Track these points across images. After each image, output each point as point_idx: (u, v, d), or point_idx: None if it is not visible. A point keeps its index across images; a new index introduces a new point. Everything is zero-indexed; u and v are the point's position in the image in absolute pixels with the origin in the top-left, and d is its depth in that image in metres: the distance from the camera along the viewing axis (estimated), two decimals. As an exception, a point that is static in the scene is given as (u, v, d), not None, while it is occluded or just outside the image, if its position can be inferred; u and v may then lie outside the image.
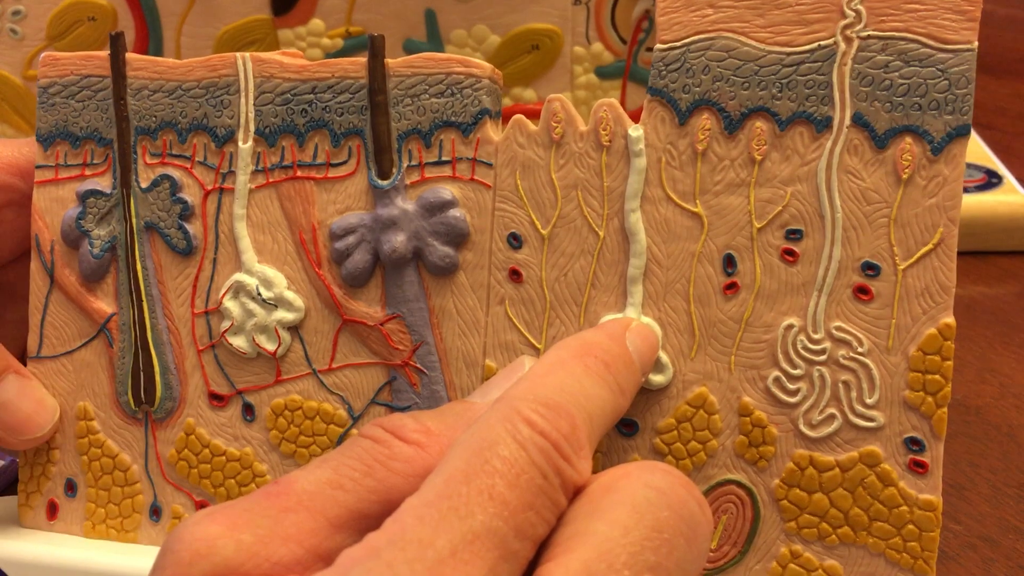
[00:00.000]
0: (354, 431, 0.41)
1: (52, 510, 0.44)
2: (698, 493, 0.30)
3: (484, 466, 0.28)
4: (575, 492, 0.30)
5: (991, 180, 0.77)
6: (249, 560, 0.28)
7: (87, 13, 0.66)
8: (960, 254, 0.36)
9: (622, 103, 0.66)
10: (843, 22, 0.36)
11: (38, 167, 0.43)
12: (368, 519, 0.29)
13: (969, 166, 0.79)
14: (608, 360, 0.34)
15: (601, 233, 0.38)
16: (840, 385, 0.37)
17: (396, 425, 0.31)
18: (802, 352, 0.37)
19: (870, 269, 0.37)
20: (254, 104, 0.41)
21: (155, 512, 0.43)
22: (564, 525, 0.29)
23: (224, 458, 0.42)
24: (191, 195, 0.42)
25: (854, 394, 0.37)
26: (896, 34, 0.36)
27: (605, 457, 0.39)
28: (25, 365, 0.45)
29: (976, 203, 0.74)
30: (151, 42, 0.65)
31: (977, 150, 0.82)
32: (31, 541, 0.43)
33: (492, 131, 0.39)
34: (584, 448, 0.30)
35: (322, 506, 0.29)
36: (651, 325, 0.38)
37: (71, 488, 0.43)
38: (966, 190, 0.75)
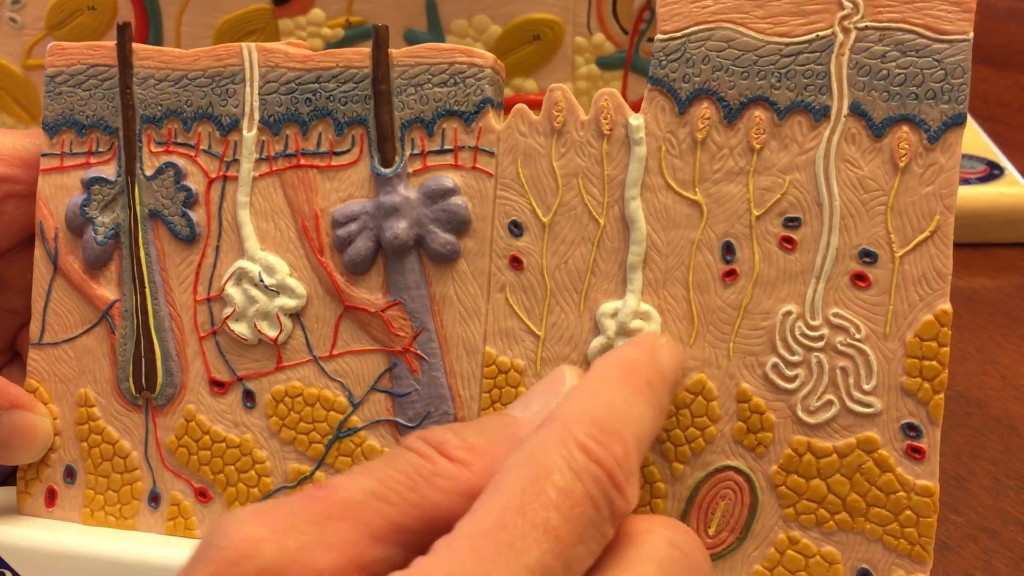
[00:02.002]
0: (355, 418, 0.41)
1: (51, 497, 0.44)
2: (708, 556, 0.31)
3: (539, 496, 0.28)
4: (622, 520, 0.30)
5: (992, 172, 0.77)
6: (292, 566, 0.28)
7: (87, 2, 0.66)
8: (962, 246, 0.37)
9: (623, 94, 0.66)
10: (841, 13, 0.37)
11: (44, 155, 0.44)
12: (409, 533, 0.29)
13: (971, 158, 0.79)
14: (651, 379, 0.34)
15: (601, 221, 0.39)
16: (838, 371, 0.37)
17: (440, 440, 0.31)
18: (800, 339, 0.37)
19: (867, 256, 0.37)
20: (259, 93, 0.41)
21: (154, 499, 0.43)
22: (592, 572, 0.29)
23: (224, 445, 0.42)
24: (195, 183, 0.42)
25: (852, 380, 0.37)
26: (893, 25, 0.36)
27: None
28: (25, 352, 0.45)
29: (978, 195, 0.74)
30: (151, 31, 0.66)
31: (979, 142, 0.82)
32: (30, 528, 0.43)
33: (494, 120, 0.40)
34: (634, 475, 0.30)
35: (365, 517, 0.29)
36: (673, 344, 0.38)
37: (70, 475, 0.44)
38: (968, 182, 0.75)
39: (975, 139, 0.82)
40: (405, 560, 0.28)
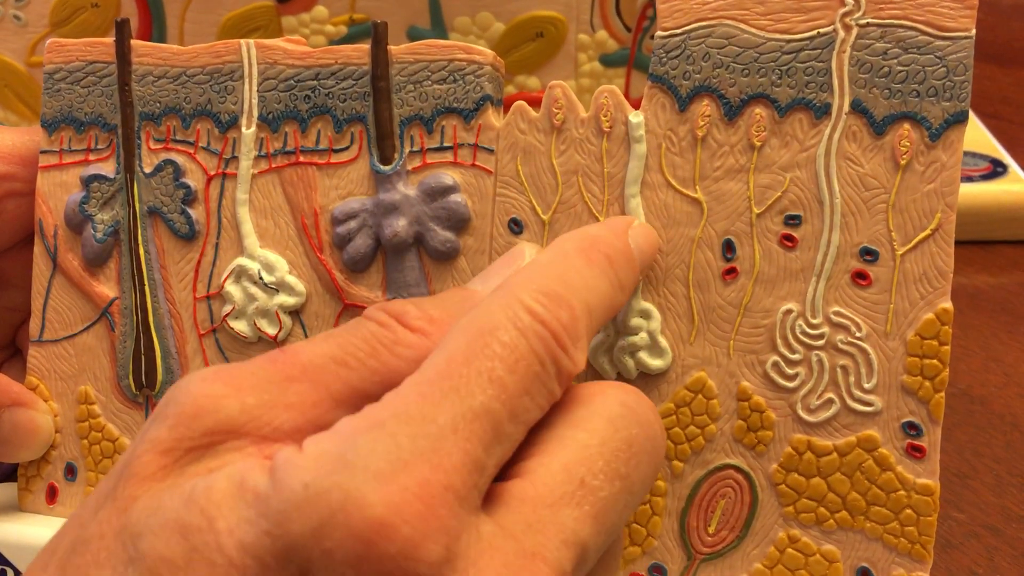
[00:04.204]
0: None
1: (52, 494, 0.44)
2: (659, 417, 0.32)
3: (484, 349, 0.29)
4: (568, 382, 0.30)
5: (996, 169, 0.77)
6: (251, 422, 0.28)
7: (90, 0, 0.66)
8: (965, 243, 0.37)
9: (626, 91, 0.66)
10: (842, 10, 0.37)
11: (42, 152, 0.44)
12: (369, 398, 0.29)
13: (974, 155, 0.79)
14: (611, 254, 0.34)
15: (601, 218, 0.39)
16: (838, 370, 0.37)
17: (400, 311, 0.31)
18: (800, 337, 0.37)
19: (868, 254, 0.37)
20: (258, 90, 0.41)
21: (157, 495, 0.43)
22: (543, 429, 0.30)
23: (226, 442, 0.42)
24: (194, 180, 0.42)
25: (852, 379, 0.37)
26: (894, 22, 0.36)
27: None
28: (25, 349, 0.45)
29: (981, 192, 0.74)
30: (154, 29, 0.66)
31: (982, 139, 0.82)
32: (31, 525, 0.43)
33: (494, 117, 0.39)
34: (581, 340, 0.31)
35: (325, 380, 0.30)
36: (649, 229, 0.38)
37: (71, 472, 0.44)
38: (971, 179, 0.75)
39: (978, 136, 0.82)
40: None
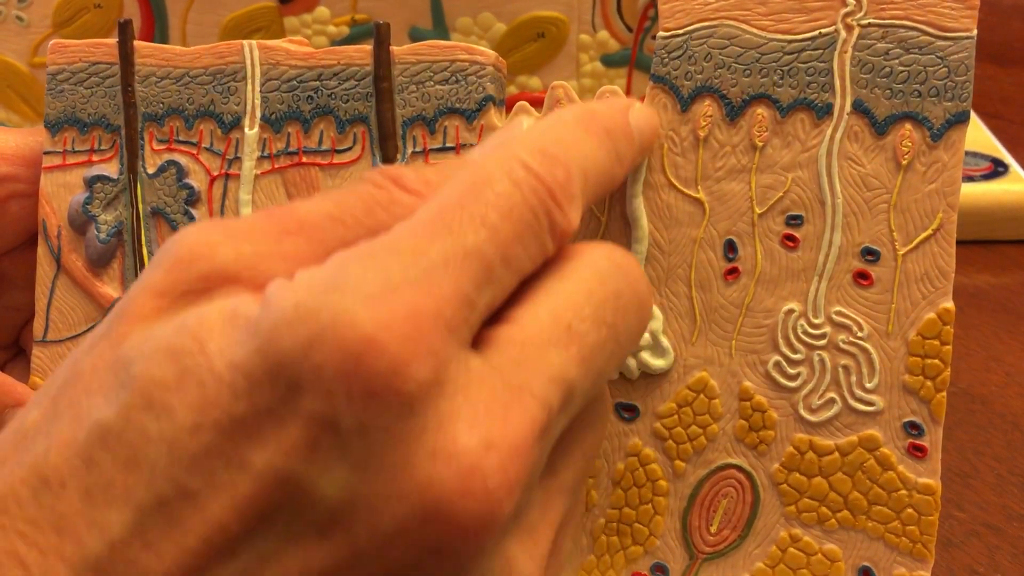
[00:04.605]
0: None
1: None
2: (645, 276, 0.32)
3: (479, 197, 0.29)
4: (562, 240, 0.30)
5: (997, 169, 0.77)
6: (246, 270, 0.28)
7: (93, 0, 0.66)
8: (966, 243, 0.37)
9: (628, 91, 0.66)
10: (844, 10, 0.37)
11: (46, 153, 0.44)
12: None
13: (975, 155, 0.79)
14: (610, 127, 0.34)
15: (603, 219, 0.39)
16: (840, 369, 0.37)
17: (397, 174, 0.31)
18: (802, 337, 0.37)
19: (870, 254, 0.37)
20: (260, 91, 0.41)
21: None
22: (532, 281, 0.30)
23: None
24: (197, 181, 0.42)
25: (854, 378, 0.37)
26: (896, 22, 0.36)
27: (606, 442, 0.39)
28: (29, 349, 0.45)
29: (982, 192, 0.74)
30: (156, 29, 0.66)
31: (983, 139, 0.82)
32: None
33: (496, 118, 0.40)
34: (576, 199, 0.31)
35: (321, 236, 0.29)
36: (651, 111, 0.38)
37: (78, 471, 0.44)
38: (972, 179, 0.75)
39: (980, 136, 0.82)
40: None
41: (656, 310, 0.38)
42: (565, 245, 0.31)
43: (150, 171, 0.43)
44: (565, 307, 0.29)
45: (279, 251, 0.29)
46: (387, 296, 0.26)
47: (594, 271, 0.31)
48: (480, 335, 0.29)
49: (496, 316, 0.29)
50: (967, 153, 0.77)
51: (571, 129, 0.33)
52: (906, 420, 0.37)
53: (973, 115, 0.84)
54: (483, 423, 0.27)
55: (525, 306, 0.29)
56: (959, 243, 0.37)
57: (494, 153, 0.30)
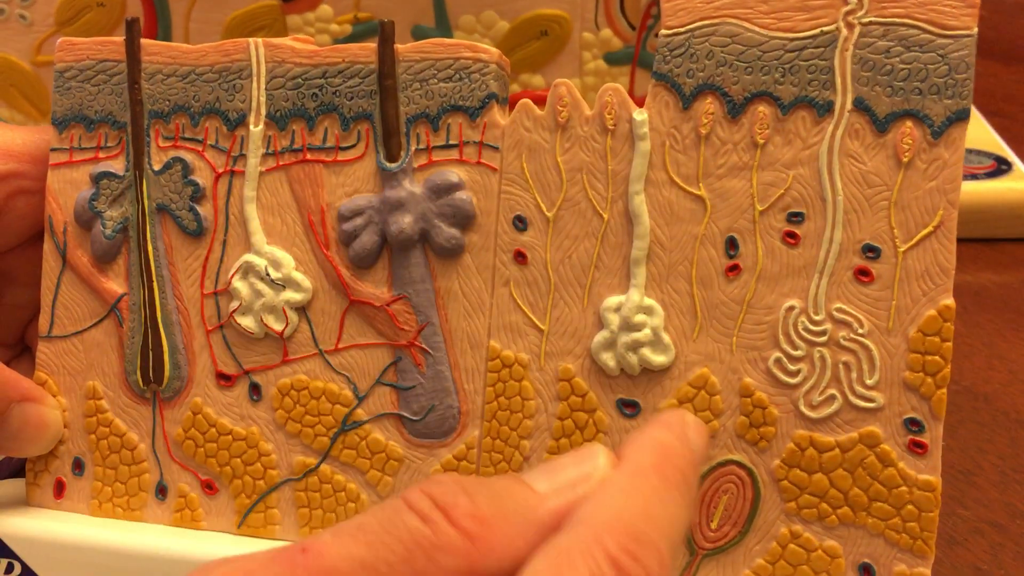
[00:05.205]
0: (360, 411, 0.41)
1: (59, 488, 0.44)
2: None
3: None
4: None
5: (1000, 167, 0.77)
6: None
7: (96, -1, 0.66)
8: (969, 241, 0.37)
9: (631, 89, 0.66)
10: (845, 8, 0.37)
11: (53, 150, 0.44)
12: None
13: (978, 153, 0.79)
14: (684, 469, 0.31)
15: (605, 216, 0.39)
16: (840, 366, 0.37)
17: (448, 503, 0.28)
18: (803, 333, 0.38)
19: (871, 251, 0.37)
20: (265, 88, 0.42)
21: (161, 491, 0.43)
22: None
23: (230, 437, 0.42)
24: (202, 178, 0.42)
25: (854, 375, 0.37)
26: (897, 20, 0.36)
27: (607, 437, 0.39)
28: (34, 345, 0.45)
29: (985, 190, 0.74)
30: (159, 28, 0.66)
31: (986, 137, 0.82)
32: (38, 519, 0.43)
33: (499, 115, 0.40)
34: None
35: None
36: (700, 422, 0.34)
37: (78, 467, 0.44)
38: (975, 177, 0.75)
39: (982, 134, 0.82)
40: None
41: (657, 306, 0.39)
42: None
43: (156, 168, 0.43)
44: None
45: None
46: None
47: None
48: None
49: None
50: (970, 151, 0.77)
51: (655, 489, 0.29)
52: (906, 417, 0.37)
53: (976, 113, 0.84)
54: None
55: None
56: (962, 241, 0.37)
57: (578, 539, 0.27)
